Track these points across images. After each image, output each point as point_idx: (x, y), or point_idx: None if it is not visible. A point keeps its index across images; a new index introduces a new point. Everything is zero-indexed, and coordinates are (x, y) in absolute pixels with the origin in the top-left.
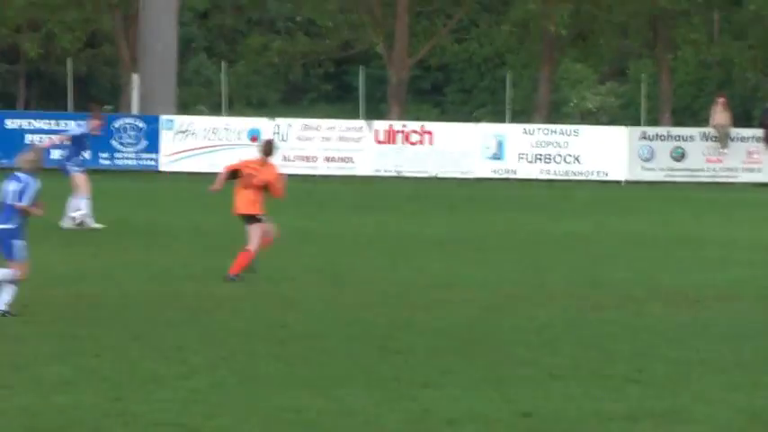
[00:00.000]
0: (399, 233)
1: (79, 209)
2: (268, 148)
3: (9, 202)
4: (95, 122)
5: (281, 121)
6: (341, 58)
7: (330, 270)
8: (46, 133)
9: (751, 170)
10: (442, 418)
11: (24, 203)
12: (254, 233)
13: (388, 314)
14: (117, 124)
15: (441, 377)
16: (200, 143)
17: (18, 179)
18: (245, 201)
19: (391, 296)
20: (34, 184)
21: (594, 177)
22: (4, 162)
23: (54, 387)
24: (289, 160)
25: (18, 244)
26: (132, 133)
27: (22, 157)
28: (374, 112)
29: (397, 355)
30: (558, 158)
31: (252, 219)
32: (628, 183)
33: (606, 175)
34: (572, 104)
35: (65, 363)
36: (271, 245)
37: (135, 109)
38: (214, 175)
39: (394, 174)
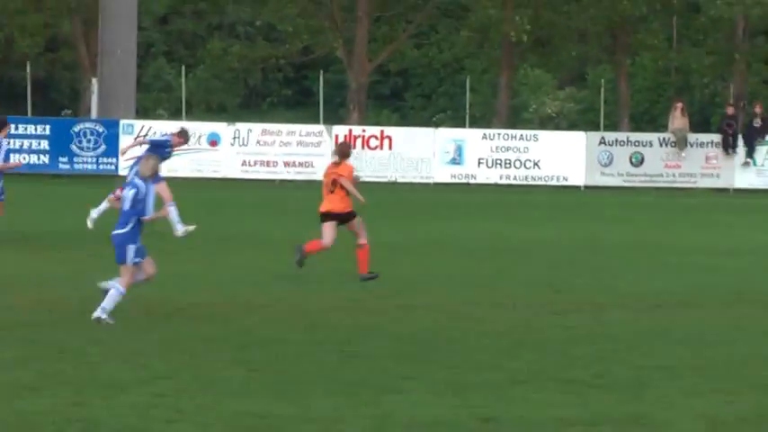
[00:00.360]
0: None
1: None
2: (345, 150)
3: (126, 208)
4: (179, 140)
5: (240, 125)
6: (300, 63)
7: (292, 275)
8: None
9: (709, 175)
10: (403, 423)
11: (150, 216)
12: (360, 227)
13: (350, 319)
14: (77, 128)
15: (402, 382)
16: None
17: (135, 186)
18: (336, 202)
19: (353, 301)
20: (150, 191)
21: (554, 182)
22: None
23: (16, 392)
24: (249, 165)
25: (131, 248)
26: (92, 137)
27: (143, 163)
28: (334, 117)
29: (358, 360)
30: (517, 163)
31: (348, 216)
32: (587, 188)
33: (566, 180)
34: (531, 110)
35: (26, 367)
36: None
37: (94, 113)
38: (174, 179)
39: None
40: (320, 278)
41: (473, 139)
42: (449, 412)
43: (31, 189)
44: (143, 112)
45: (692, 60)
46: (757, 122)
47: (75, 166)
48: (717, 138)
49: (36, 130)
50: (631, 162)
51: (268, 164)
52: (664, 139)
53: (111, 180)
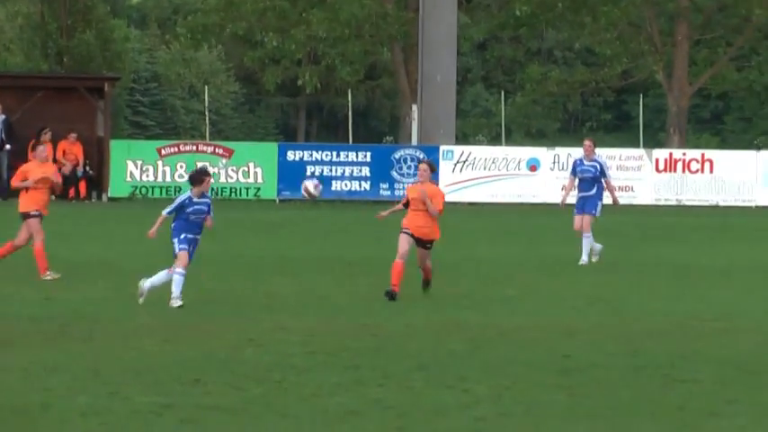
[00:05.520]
0: (681, 263)
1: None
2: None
3: None
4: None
5: (560, 150)
6: (620, 87)
7: (612, 299)
8: (326, 165)
9: None
10: None
11: None
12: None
13: (671, 344)
14: (397, 155)
15: (727, 406)
16: (478, 173)
17: None
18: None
19: (674, 326)
20: None
21: None
22: (286, 194)
23: (339, 417)
24: None
25: None
26: (412, 164)
27: None
28: (653, 141)
29: (681, 384)
30: None
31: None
32: None
33: None
34: None
35: (349, 393)
36: None
37: (414, 140)
38: (493, 204)
39: (674, 203)
40: (639, 303)
41: None
42: None
43: (352, 215)
44: (462, 138)
45: None
46: None
47: (396, 192)
48: None
49: (357, 157)
50: None
51: None
52: None
53: None
